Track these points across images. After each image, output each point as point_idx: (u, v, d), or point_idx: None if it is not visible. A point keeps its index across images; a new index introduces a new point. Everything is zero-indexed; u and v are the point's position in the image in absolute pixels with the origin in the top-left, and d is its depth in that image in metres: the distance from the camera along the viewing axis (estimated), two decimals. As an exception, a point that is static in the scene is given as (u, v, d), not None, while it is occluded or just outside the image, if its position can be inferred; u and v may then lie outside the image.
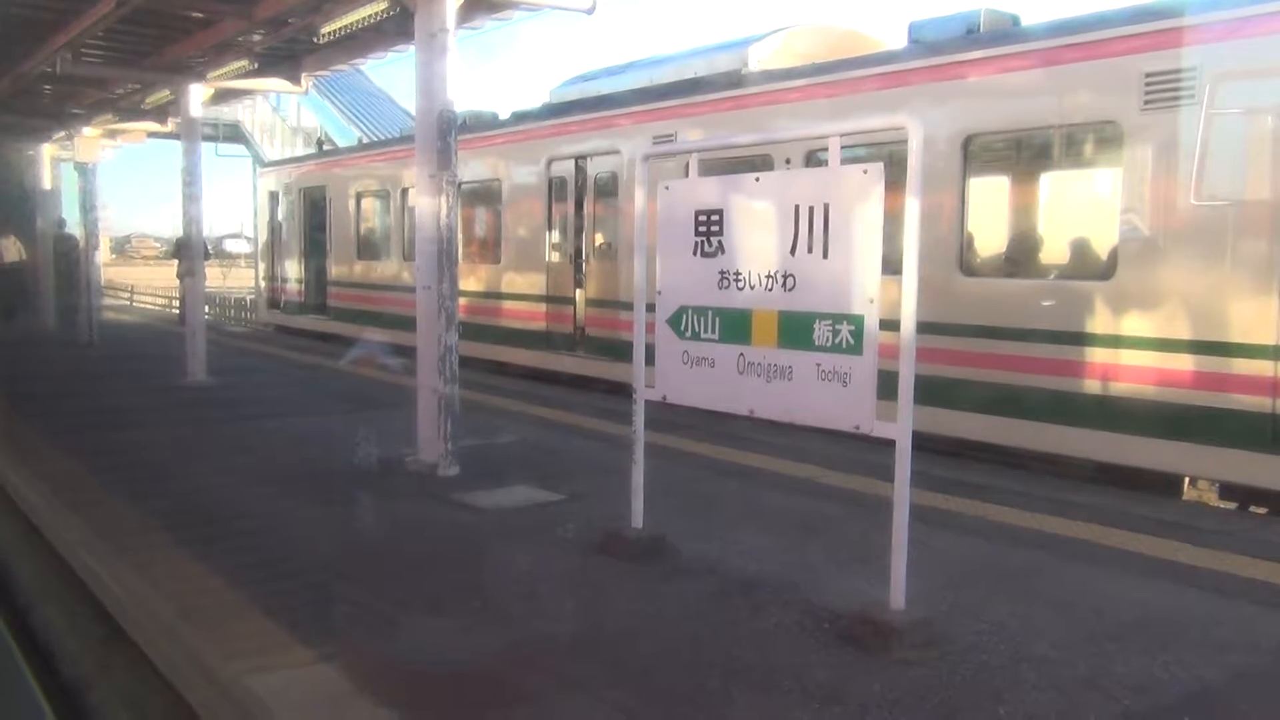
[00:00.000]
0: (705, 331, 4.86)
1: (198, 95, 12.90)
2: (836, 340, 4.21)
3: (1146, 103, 7.18)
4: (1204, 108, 6.87)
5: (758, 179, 4.82)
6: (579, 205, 12.72)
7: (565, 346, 12.83)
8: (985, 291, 8.33)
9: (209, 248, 20.95)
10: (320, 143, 25.90)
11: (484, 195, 14.62)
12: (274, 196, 21.50)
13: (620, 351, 10.69)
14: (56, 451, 8.10)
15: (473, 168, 13.89)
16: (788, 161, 9.20)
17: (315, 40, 11.34)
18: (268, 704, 3.58)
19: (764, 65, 10.67)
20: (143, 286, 37.13)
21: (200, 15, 10.89)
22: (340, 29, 10.52)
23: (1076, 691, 3.71)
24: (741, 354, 4.67)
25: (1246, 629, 4.41)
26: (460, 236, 9.64)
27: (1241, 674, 3.96)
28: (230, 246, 48.73)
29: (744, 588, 4.81)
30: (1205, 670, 3.94)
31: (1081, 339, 7.59)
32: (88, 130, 18.32)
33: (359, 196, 17.97)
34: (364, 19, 9.95)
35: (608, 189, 12.33)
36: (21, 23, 11.48)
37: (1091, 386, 7.57)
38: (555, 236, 13.23)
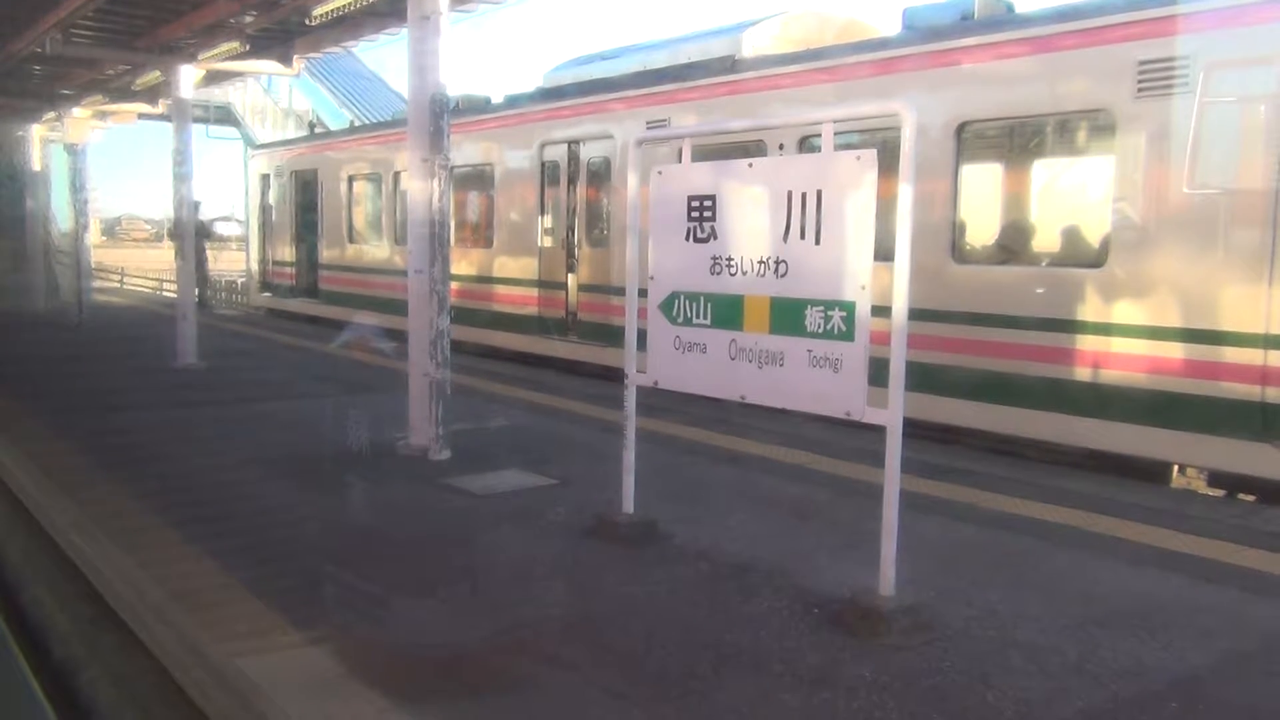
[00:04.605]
0: (697, 317, 4.86)
1: (189, 77, 12.82)
2: (828, 326, 4.21)
3: (1140, 90, 7.18)
4: (1197, 96, 6.87)
5: (750, 164, 4.82)
6: (571, 190, 12.69)
7: (557, 331, 12.82)
8: (977, 278, 8.34)
9: (208, 229, 20.84)
10: (312, 125, 25.81)
11: (476, 179, 14.57)
12: (265, 179, 21.40)
13: (612, 336, 10.71)
14: (47, 433, 8.08)
15: (465, 151, 13.85)
16: (781, 147, 9.20)
17: (307, 21, 11.28)
18: (259, 686, 3.59)
19: (758, 51, 10.64)
20: (133, 269, 37.00)
21: (191, -4, 10.84)
22: (332, 10, 10.48)
23: (1065, 676, 3.73)
24: (733, 340, 4.67)
25: (1234, 615, 4.44)
26: (452, 220, 9.63)
27: (1229, 659, 3.99)
28: (221, 229, 48.42)
29: (735, 572, 4.83)
30: (1193, 656, 3.97)
31: (1073, 326, 7.61)
32: (77, 111, 18.23)
33: (350, 179, 17.90)
34: (357, 0, 9.91)
35: (600, 174, 12.30)
36: (12, 2, 11.40)
37: (1082, 374, 7.59)
38: (548, 221, 13.20)
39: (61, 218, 23.45)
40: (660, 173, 5.11)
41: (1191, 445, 7.10)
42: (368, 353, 13.05)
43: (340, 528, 5.66)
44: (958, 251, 8.42)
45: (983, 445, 8.20)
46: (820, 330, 4.25)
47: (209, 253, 20.82)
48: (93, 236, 24.85)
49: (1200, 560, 5.15)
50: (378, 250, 17.14)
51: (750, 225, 4.59)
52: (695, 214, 4.83)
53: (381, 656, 3.88)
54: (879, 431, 4.12)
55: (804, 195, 4.29)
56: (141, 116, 19.11)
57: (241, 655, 3.80)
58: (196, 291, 18.62)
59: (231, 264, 28.79)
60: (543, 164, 13.05)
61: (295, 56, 12.83)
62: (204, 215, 20.37)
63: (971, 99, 8.33)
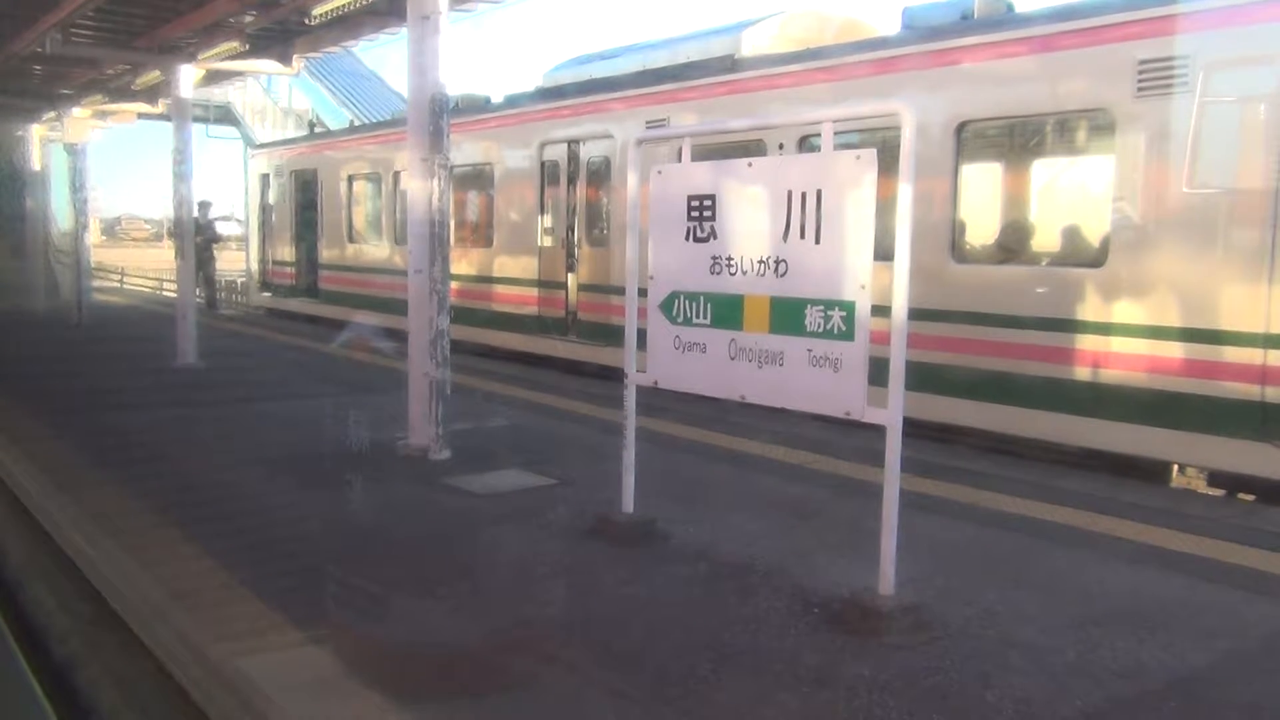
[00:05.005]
0: (697, 316, 4.86)
1: (188, 76, 12.82)
2: (828, 326, 4.21)
3: (1140, 90, 7.18)
4: (1197, 95, 6.88)
5: (750, 164, 4.81)
6: (571, 189, 12.69)
7: (557, 331, 12.82)
8: (977, 278, 8.34)
9: (216, 229, 20.80)
10: (312, 125, 25.79)
11: (476, 179, 14.58)
12: (265, 179, 21.40)
13: (612, 336, 10.71)
14: (46, 432, 8.08)
15: (465, 151, 13.85)
16: (780, 147, 9.20)
17: (307, 21, 11.28)
18: (259, 685, 3.59)
19: (758, 50, 10.64)
20: (133, 269, 36.98)
21: (191, -5, 10.83)
22: (332, 10, 10.48)
23: (1064, 676, 3.73)
24: (733, 339, 4.67)
25: (1233, 615, 4.44)
26: (452, 220, 9.63)
27: (1228, 659, 3.99)
28: (220, 229, 48.44)
29: (735, 572, 4.83)
30: (1192, 655, 3.97)
31: (1073, 326, 7.61)
32: (77, 111, 18.23)
33: (350, 179, 17.89)
34: (356, 0, 9.92)
35: (600, 173, 12.30)
36: (11, 1, 11.40)
37: (1082, 373, 7.59)
38: (547, 221, 13.19)
39: (61, 217, 23.48)
40: (660, 172, 5.11)
41: (1191, 445, 7.10)
42: (367, 352, 13.05)
43: (340, 527, 5.65)
44: (957, 251, 8.42)
45: (982, 445, 8.20)
46: (820, 330, 4.25)
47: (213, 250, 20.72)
48: (92, 236, 24.83)
49: (1200, 560, 5.15)
50: (377, 250, 17.14)
51: (750, 225, 4.59)
52: (695, 213, 4.82)
53: (381, 656, 3.88)
54: (879, 431, 4.12)
55: (804, 195, 4.28)
56: (141, 116, 19.09)
57: (242, 654, 3.80)
58: (204, 293, 18.71)
59: (231, 264, 28.76)
60: (542, 163, 13.05)
61: (295, 56, 12.82)
62: (212, 214, 20.40)
63: (971, 98, 8.33)
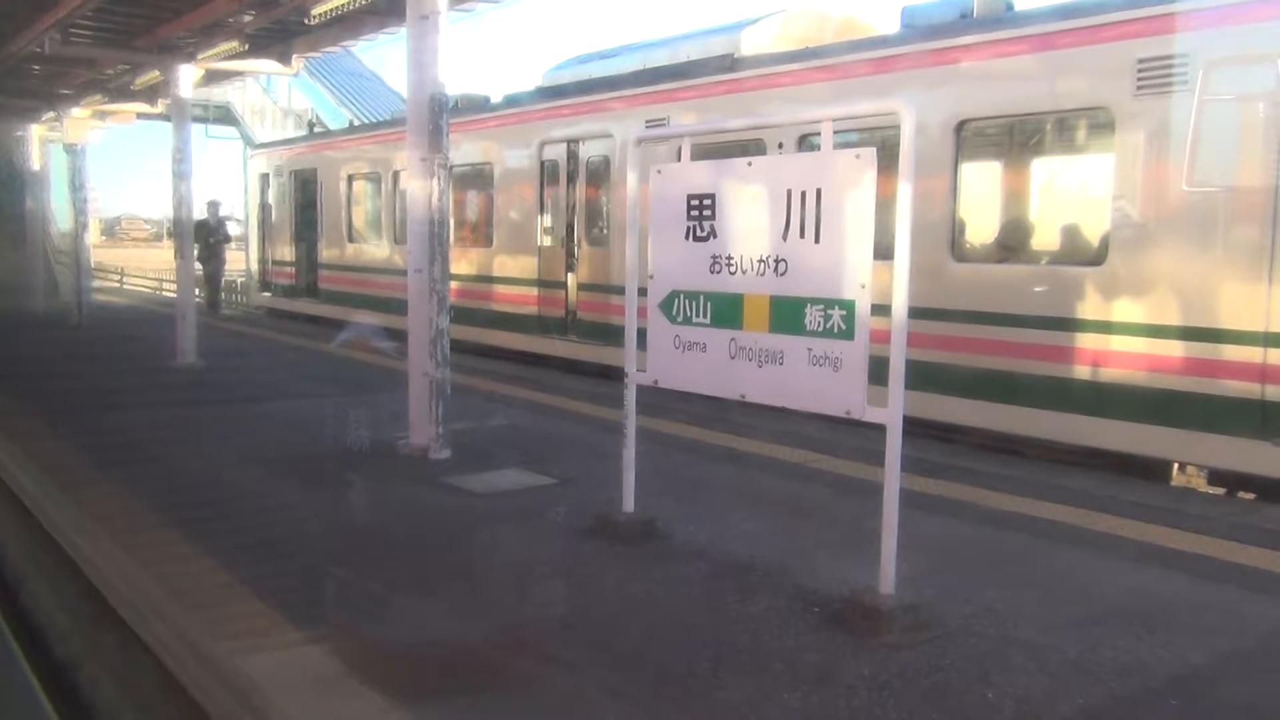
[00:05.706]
0: (697, 316, 4.85)
1: (188, 76, 12.81)
2: (828, 325, 4.21)
3: (1139, 88, 7.18)
4: (1196, 94, 6.88)
5: (750, 163, 4.81)
6: (571, 189, 12.69)
7: (557, 330, 12.82)
8: (977, 277, 8.34)
9: (226, 229, 20.73)
10: (311, 124, 25.79)
11: (475, 178, 14.58)
12: (264, 179, 21.39)
13: (612, 335, 10.70)
14: (47, 432, 8.08)
15: (464, 151, 13.85)
16: (780, 146, 9.20)
17: (306, 21, 11.27)
18: (259, 684, 3.59)
19: (757, 49, 10.64)
20: (133, 269, 36.99)
21: (190, -5, 10.84)
22: (331, 9, 10.47)
23: (1064, 674, 3.73)
24: (733, 339, 4.67)
25: (1233, 613, 4.44)
26: (451, 219, 9.63)
27: (1228, 658, 3.98)
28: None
29: (735, 571, 4.83)
30: (1192, 654, 3.97)
31: (1073, 324, 7.61)
32: (77, 111, 18.23)
33: (350, 179, 17.89)
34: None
35: (600, 173, 12.30)
36: (10, 1, 11.40)
37: (1082, 372, 7.59)
38: (547, 220, 13.20)
39: (61, 217, 23.48)
40: (660, 171, 5.10)
41: (1191, 443, 7.10)
42: (368, 352, 13.05)
43: (340, 527, 5.65)
44: (957, 250, 8.42)
45: (982, 443, 8.20)
46: (820, 329, 4.24)
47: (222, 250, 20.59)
48: (92, 236, 24.84)
49: (1200, 558, 5.15)
50: (377, 250, 17.13)
51: (750, 224, 4.59)
52: (695, 213, 4.82)
53: (381, 655, 3.88)
54: (879, 430, 4.11)
55: (803, 194, 4.28)
56: (140, 116, 19.10)
57: (241, 653, 3.80)
58: (205, 294, 18.65)
59: (230, 264, 28.79)
60: (542, 163, 13.05)
61: (294, 56, 12.82)
62: (223, 213, 20.31)
63: (971, 97, 8.33)
